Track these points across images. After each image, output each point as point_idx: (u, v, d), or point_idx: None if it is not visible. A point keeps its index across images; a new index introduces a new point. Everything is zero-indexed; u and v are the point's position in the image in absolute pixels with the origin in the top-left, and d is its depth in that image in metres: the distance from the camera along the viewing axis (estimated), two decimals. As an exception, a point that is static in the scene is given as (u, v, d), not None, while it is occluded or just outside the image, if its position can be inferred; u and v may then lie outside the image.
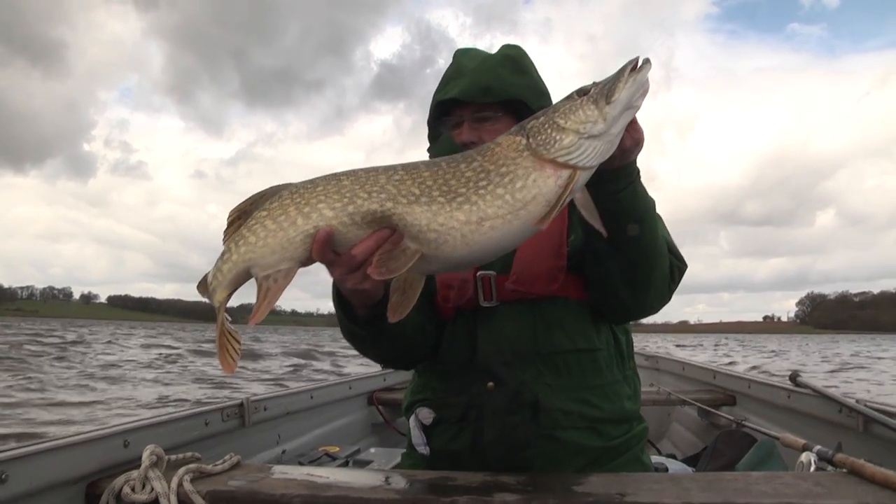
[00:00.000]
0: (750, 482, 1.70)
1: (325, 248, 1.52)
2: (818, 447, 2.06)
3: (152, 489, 1.86)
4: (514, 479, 1.77)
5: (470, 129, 2.02)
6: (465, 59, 2.08)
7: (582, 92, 1.54)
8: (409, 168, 1.56)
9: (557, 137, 1.49)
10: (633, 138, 1.61)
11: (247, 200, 1.59)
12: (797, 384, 3.39)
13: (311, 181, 1.57)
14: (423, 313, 2.03)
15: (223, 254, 1.59)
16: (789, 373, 3.51)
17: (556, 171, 1.49)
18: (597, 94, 1.50)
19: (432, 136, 2.18)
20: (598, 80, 1.57)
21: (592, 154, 1.49)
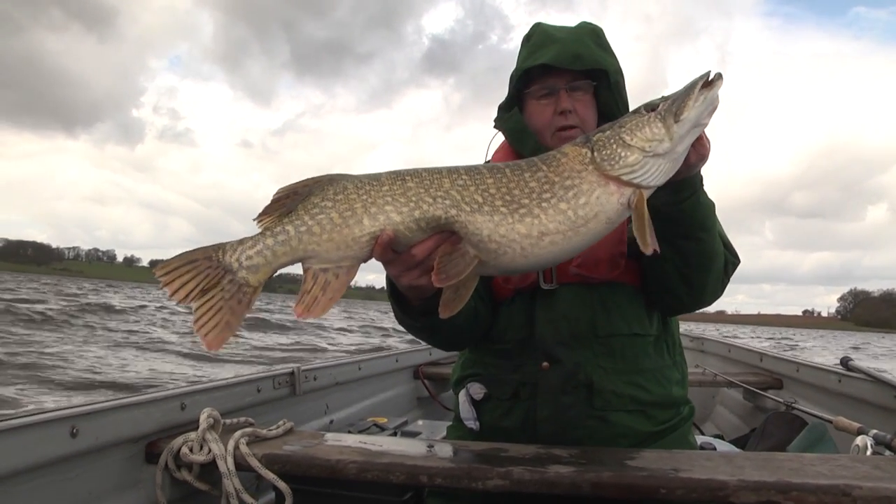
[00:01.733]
0: (805, 462, 1.68)
1: (386, 250, 1.51)
2: (875, 431, 2.03)
3: (209, 451, 1.91)
4: (566, 453, 1.78)
5: (567, 96, 2.01)
6: (551, 29, 2.07)
7: (650, 107, 1.52)
8: (473, 173, 1.55)
9: (623, 154, 1.48)
10: (698, 154, 1.59)
11: (300, 182, 1.54)
12: (849, 368, 3.32)
13: (376, 177, 1.54)
14: (476, 296, 2.03)
15: (276, 234, 1.51)
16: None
17: (620, 189, 1.48)
18: (665, 111, 1.48)
19: (505, 106, 2.16)
20: (667, 93, 1.54)
21: (657, 173, 1.48)
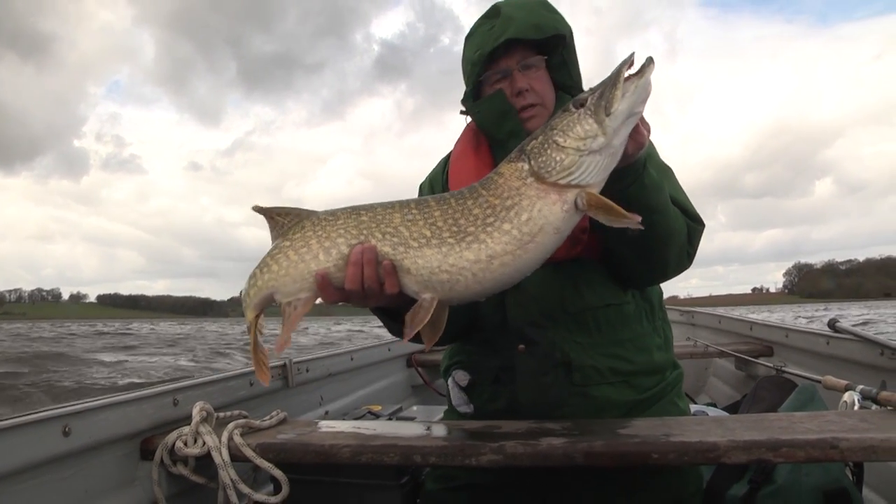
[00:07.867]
0: (794, 421, 1.70)
1: (327, 290, 1.59)
2: (861, 387, 2.05)
3: (204, 443, 1.91)
4: (559, 426, 1.79)
5: (522, 75, 1.98)
6: (505, 8, 2.01)
7: (578, 103, 1.48)
8: (422, 206, 1.58)
9: (558, 158, 1.46)
10: (637, 143, 1.56)
11: (283, 212, 1.69)
12: (836, 330, 3.36)
13: (334, 213, 1.63)
14: None
15: (250, 278, 1.70)
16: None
17: (562, 196, 1.46)
18: (594, 105, 1.45)
19: (471, 96, 2.11)
20: (593, 84, 1.50)
21: (595, 170, 1.46)
